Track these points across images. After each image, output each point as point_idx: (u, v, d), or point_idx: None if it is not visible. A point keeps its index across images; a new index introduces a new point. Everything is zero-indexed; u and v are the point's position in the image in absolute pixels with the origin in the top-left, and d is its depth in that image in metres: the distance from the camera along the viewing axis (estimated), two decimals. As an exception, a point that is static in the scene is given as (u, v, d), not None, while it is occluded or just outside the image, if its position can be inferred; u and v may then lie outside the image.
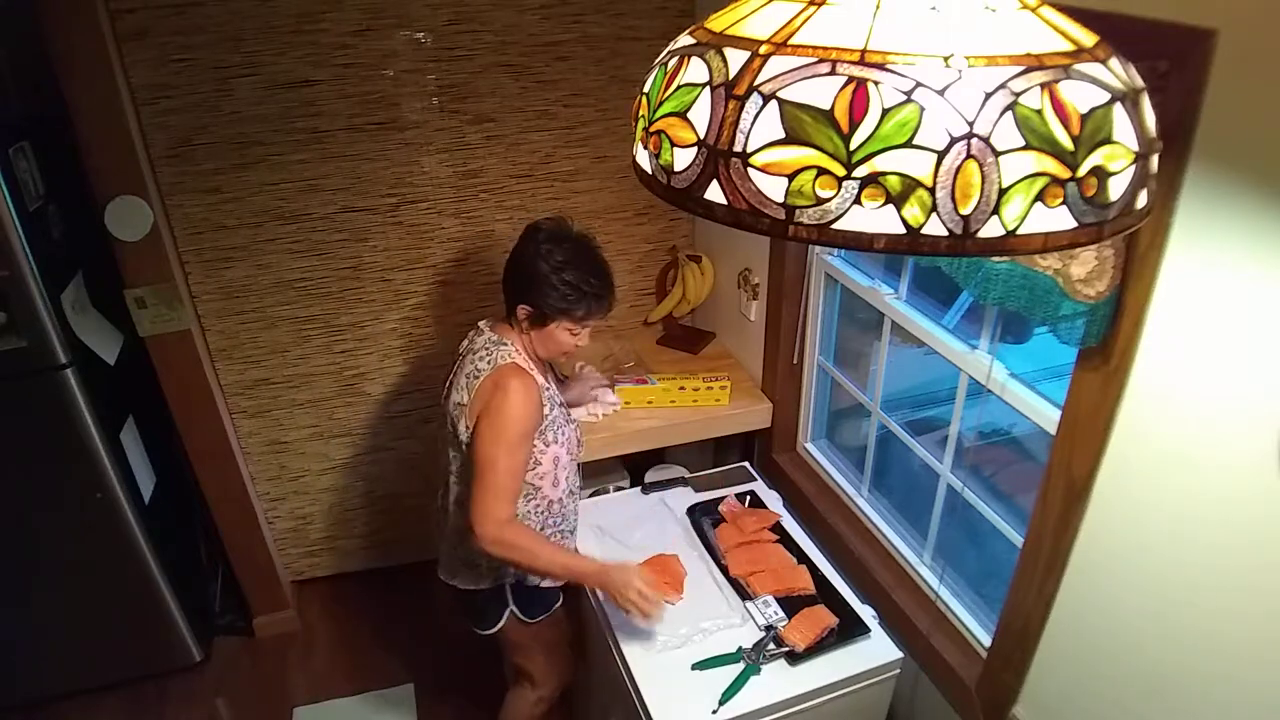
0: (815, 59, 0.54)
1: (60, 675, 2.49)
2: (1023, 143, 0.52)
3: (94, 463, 2.17)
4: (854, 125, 0.52)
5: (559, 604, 1.94)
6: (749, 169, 0.56)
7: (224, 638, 2.78)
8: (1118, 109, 0.55)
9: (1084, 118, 0.53)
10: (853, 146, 0.52)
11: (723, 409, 2.38)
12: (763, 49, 0.56)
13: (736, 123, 0.56)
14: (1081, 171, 0.54)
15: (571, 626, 2.06)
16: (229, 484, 2.53)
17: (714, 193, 0.58)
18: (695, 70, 0.60)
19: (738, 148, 0.56)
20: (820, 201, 0.54)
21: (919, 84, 0.51)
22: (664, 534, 2.02)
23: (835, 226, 0.54)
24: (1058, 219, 0.54)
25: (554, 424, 1.74)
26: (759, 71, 0.56)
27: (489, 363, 1.65)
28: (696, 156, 0.59)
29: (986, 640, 1.70)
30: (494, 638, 1.92)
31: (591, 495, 2.30)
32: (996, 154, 0.51)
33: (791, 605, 1.78)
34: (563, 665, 2.05)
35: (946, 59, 0.52)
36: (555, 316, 1.66)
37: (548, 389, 1.74)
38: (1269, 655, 1.05)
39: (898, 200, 0.52)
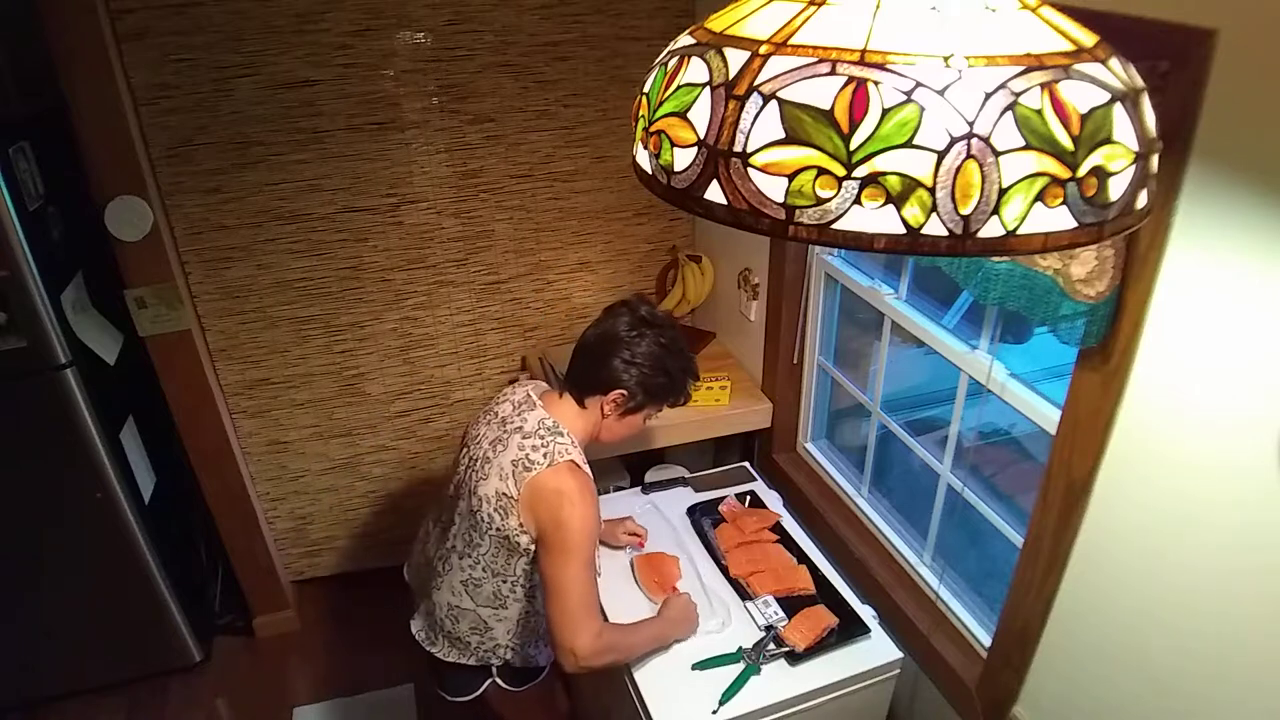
0: (815, 59, 0.54)
1: (60, 675, 2.48)
2: (1023, 143, 0.52)
3: (94, 463, 2.17)
4: (854, 125, 0.52)
5: (547, 670, 1.79)
6: (749, 169, 0.56)
7: (224, 638, 2.78)
8: (1118, 109, 0.55)
9: (1084, 118, 0.53)
10: (853, 146, 0.52)
11: (723, 409, 2.38)
12: (763, 49, 0.56)
13: (736, 123, 0.56)
14: (1081, 171, 0.54)
15: (564, 692, 1.88)
16: (229, 484, 2.53)
17: (714, 193, 0.58)
18: (695, 70, 0.60)
19: (738, 148, 0.56)
20: (820, 201, 0.54)
21: (919, 84, 0.51)
22: (663, 534, 2.02)
23: (835, 226, 0.54)
24: (1058, 219, 0.54)
25: None
26: (759, 71, 0.56)
27: (544, 456, 1.48)
28: (696, 156, 0.59)
29: (986, 640, 1.70)
30: (468, 705, 1.73)
31: (591, 495, 2.30)
32: (996, 154, 0.51)
33: (791, 605, 1.77)
34: None
35: (946, 59, 0.52)
36: (654, 404, 1.58)
37: None
38: (1269, 656, 1.05)
39: (898, 200, 0.52)
